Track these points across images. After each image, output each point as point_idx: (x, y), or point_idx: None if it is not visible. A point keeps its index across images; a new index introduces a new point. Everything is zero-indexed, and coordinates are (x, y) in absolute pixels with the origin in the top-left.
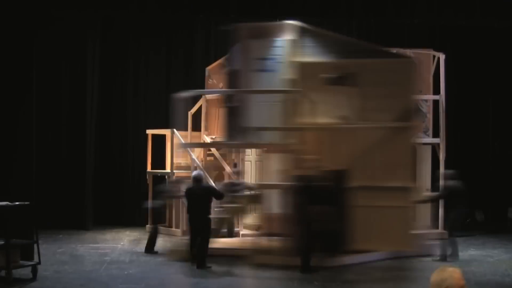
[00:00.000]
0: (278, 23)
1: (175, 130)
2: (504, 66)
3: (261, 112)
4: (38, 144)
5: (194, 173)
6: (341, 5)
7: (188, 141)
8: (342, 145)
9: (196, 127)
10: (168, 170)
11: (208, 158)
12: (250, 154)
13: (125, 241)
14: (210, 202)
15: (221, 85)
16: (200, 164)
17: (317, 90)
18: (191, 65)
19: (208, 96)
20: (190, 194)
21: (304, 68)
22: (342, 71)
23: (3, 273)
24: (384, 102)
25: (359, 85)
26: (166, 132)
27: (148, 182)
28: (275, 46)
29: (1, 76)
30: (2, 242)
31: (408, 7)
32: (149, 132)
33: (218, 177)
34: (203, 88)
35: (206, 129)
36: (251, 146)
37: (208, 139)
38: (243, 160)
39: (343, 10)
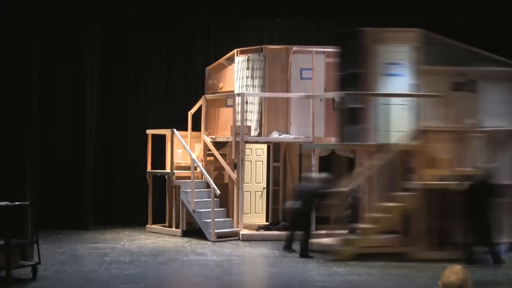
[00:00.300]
0: (403, 29)
1: (175, 130)
2: None
3: (386, 114)
4: (38, 144)
5: (322, 175)
6: (341, 5)
7: (188, 141)
8: (467, 147)
9: (196, 127)
10: (168, 170)
11: (208, 158)
12: (250, 155)
13: (125, 241)
14: (312, 201)
15: (221, 85)
16: (200, 164)
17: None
18: (191, 65)
19: (208, 96)
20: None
21: (428, 74)
22: (463, 78)
23: (3, 273)
24: (503, 108)
25: (479, 91)
26: (166, 132)
27: (148, 182)
28: (401, 52)
29: (1, 76)
30: (2, 242)
31: (407, 7)
32: (149, 132)
33: (218, 177)
34: (203, 88)
35: (206, 129)
36: (374, 147)
37: (208, 139)
38: (243, 160)
39: (343, 10)
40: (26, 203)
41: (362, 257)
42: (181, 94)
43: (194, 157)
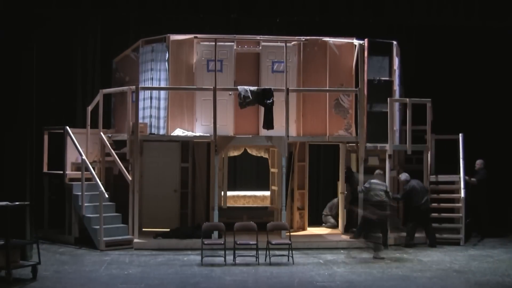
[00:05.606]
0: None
1: (67, 127)
2: (504, 66)
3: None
4: (38, 144)
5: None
6: (341, 5)
7: (87, 139)
8: None
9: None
10: (69, 171)
11: (108, 159)
12: (158, 156)
13: None
14: None
15: (127, 78)
16: (89, 165)
17: None
18: None
19: (105, 91)
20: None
21: None
22: None
23: (3, 273)
24: None
25: None
26: (64, 129)
27: (44, 184)
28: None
29: (1, 77)
30: (2, 242)
31: (407, 7)
32: (46, 130)
33: (119, 179)
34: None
35: (114, 126)
36: None
37: (105, 138)
38: (136, 160)
39: (343, 9)
40: (26, 203)
41: None
42: None
43: (84, 157)
